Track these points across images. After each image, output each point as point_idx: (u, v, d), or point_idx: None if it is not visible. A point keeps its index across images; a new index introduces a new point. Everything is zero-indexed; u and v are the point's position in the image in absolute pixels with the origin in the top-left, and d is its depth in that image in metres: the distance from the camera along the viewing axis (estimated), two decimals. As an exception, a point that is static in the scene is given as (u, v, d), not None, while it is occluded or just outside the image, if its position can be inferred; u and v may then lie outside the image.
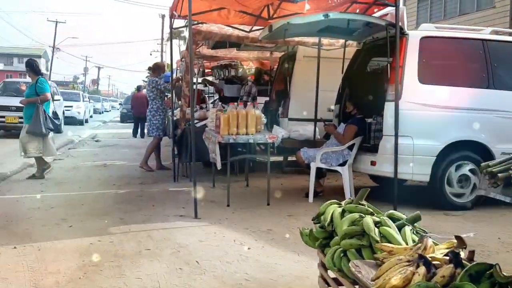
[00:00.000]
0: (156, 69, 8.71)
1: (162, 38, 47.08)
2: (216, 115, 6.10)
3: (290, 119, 8.53)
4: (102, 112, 41.79)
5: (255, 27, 7.43)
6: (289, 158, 8.76)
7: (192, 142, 5.37)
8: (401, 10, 5.95)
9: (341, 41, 8.03)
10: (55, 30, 47.68)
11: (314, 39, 7.78)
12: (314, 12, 5.84)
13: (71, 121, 21.52)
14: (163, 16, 44.99)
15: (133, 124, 17.40)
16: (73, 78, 77.58)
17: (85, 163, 9.66)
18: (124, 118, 26.75)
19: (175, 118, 7.94)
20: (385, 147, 5.66)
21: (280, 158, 8.87)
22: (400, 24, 5.70)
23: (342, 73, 7.05)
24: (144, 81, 29.04)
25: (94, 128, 22.11)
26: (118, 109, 39.03)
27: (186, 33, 48.20)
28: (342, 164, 5.94)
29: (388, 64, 5.65)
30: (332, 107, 7.37)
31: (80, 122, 23.15)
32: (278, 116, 8.92)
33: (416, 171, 5.62)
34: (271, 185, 5.91)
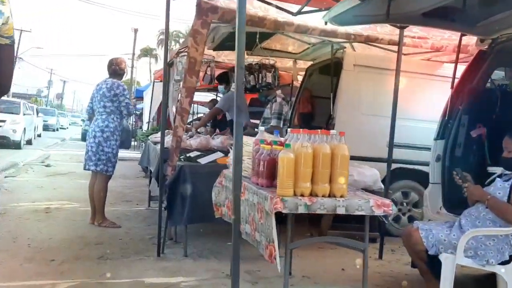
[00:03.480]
0: (118, 70, 5.72)
1: (134, 54, 44.33)
2: (256, 150, 3.10)
3: (334, 156, 5.70)
4: (57, 130, 34.60)
5: (306, 8, 4.57)
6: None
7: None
8: None
9: (430, 42, 5.32)
10: (19, 39, 43.83)
11: (392, 36, 4.99)
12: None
13: (2, 143, 15.36)
14: (135, 30, 42.55)
15: None
16: (36, 91, 72.70)
17: (19, 205, 6.50)
18: (86, 137, 22.79)
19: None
20: None
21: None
22: None
23: (452, 87, 4.29)
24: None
25: (48, 147, 18.56)
26: (80, 126, 34.30)
27: (159, 51, 45.53)
28: (507, 261, 3.03)
29: None
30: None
31: (17, 145, 15.84)
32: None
33: None
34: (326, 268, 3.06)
